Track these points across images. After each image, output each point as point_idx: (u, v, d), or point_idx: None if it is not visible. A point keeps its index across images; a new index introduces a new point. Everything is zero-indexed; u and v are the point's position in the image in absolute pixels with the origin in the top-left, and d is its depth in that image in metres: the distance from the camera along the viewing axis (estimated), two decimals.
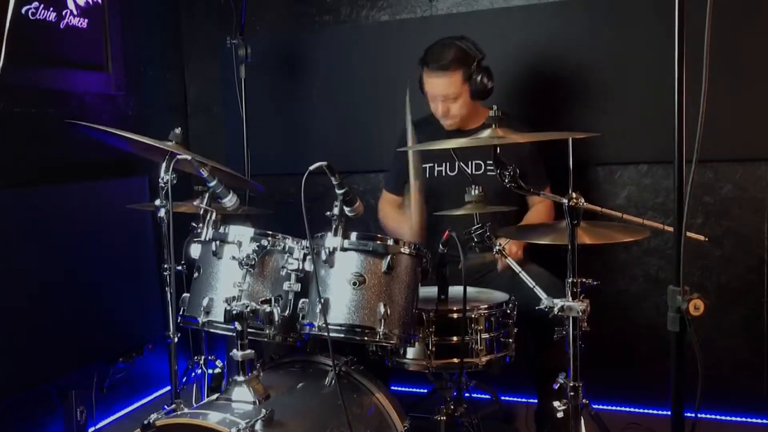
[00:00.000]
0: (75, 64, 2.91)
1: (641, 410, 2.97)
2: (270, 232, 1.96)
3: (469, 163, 2.65)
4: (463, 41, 2.57)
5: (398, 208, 2.83)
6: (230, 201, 2.07)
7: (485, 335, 2.08)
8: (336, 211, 1.90)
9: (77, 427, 2.72)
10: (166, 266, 2.20)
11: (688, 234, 1.62)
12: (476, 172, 2.64)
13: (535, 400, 2.62)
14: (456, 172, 2.67)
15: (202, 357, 2.63)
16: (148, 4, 3.42)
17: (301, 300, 1.93)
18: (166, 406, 1.78)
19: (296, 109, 3.41)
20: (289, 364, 2.11)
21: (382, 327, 1.85)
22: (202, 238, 2.01)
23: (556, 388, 1.87)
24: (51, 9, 2.72)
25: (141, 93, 3.32)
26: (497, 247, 2.05)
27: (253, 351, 1.78)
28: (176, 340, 2.05)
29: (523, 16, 3.02)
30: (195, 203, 2.17)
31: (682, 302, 1.38)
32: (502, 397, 3.03)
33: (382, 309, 1.85)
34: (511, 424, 2.93)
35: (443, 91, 2.55)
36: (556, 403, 1.85)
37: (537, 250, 2.43)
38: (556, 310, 1.81)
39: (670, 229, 1.52)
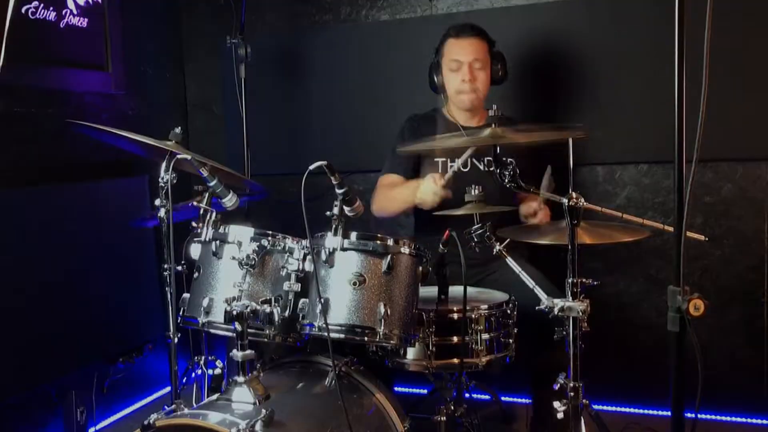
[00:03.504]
0: (75, 64, 2.90)
1: (641, 410, 2.97)
2: (270, 232, 1.96)
3: (482, 159, 2.64)
4: None
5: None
6: (230, 201, 2.07)
7: (485, 335, 2.08)
8: (336, 210, 1.89)
9: (77, 427, 2.71)
10: (166, 266, 2.20)
11: (689, 234, 1.62)
12: (488, 168, 2.63)
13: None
14: (468, 168, 2.66)
15: (202, 357, 2.63)
16: (148, 3, 3.42)
17: (301, 300, 1.92)
18: (166, 407, 1.78)
19: (296, 108, 3.41)
20: (289, 365, 2.10)
21: (382, 327, 1.84)
22: (202, 238, 2.00)
23: (557, 388, 1.88)
24: (51, 8, 2.72)
25: (141, 92, 3.32)
26: (497, 247, 2.05)
27: (253, 351, 1.78)
28: (176, 340, 2.04)
29: (523, 15, 3.03)
30: (195, 203, 2.17)
31: (682, 302, 1.38)
32: (502, 398, 3.03)
33: (382, 309, 1.84)
34: (510, 424, 2.93)
35: (474, 54, 2.57)
36: (556, 404, 1.85)
37: (536, 251, 2.42)
38: (556, 310, 1.81)
39: (670, 229, 1.52)
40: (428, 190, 2.35)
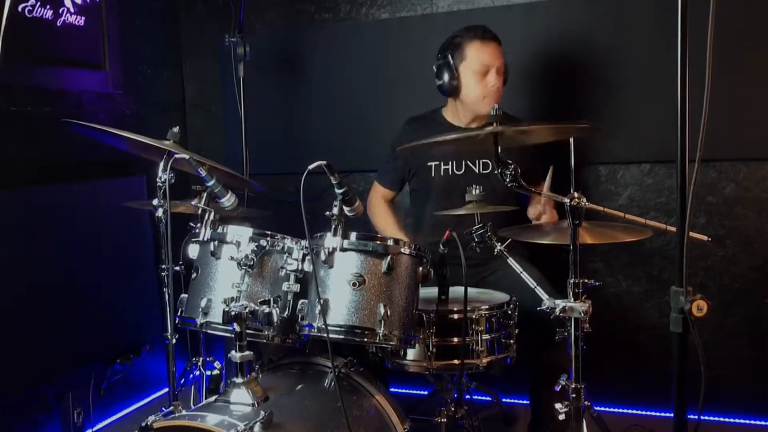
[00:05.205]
0: (72, 63, 2.89)
1: (643, 412, 2.95)
2: (269, 232, 1.94)
3: (477, 161, 2.63)
4: None
5: (389, 204, 2.85)
6: (229, 201, 2.05)
7: (486, 336, 2.06)
8: (335, 210, 1.88)
9: (74, 428, 2.70)
10: (164, 267, 2.18)
11: (691, 234, 1.61)
12: (483, 171, 2.62)
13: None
14: (463, 170, 2.64)
15: (200, 358, 2.61)
16: (146, 2, 3.40)
17: (300, 301, 1.91)
18: (164, 408, 1.77)
19: (295, 107, 3.40)
20: (288, 366, 2.09)
21: (381, 328, 1.83)
22: (201, 239, 1.99)
23: (558, 389, 1.86)
24: (48, 6, 2.70)
25: (139, 92, 3.30)
26: (498, 247, 2.03)
27: (251, 352, 1.77)
28: (174, 341, 2.02)
29: (524, 13, 3.01)
30: (193, 203, 2.15)
31: (685, 303, 1.37)
32: (503, 399, 3.02)
33: (381, 310, 1.83)
34: (512, 426, 2.92)
35: (500, 59, 2.56)
36: (558, 405, 1.84)
37: (537, 251, 2.41)
38: (557, 311, 1.80)
39: (673, 229, 1.51)
40: None
